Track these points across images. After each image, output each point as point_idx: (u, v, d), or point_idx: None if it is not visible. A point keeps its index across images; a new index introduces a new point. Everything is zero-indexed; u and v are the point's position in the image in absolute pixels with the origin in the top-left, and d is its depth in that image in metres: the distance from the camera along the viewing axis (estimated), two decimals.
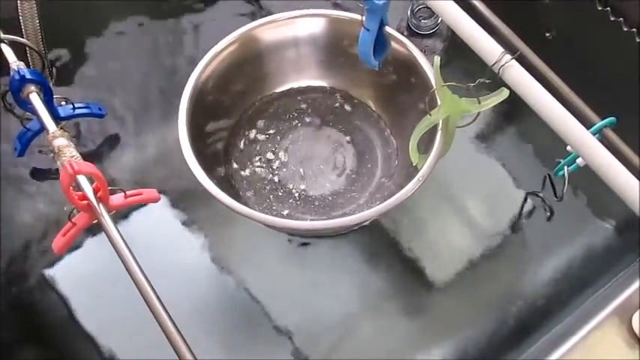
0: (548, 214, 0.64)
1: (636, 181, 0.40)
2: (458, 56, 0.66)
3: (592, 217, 0.64)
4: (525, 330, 0.58)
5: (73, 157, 0.46)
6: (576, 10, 0.70)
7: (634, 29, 0.69)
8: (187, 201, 0.65)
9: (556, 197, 0.60)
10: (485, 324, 0.60)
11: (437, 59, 0.49)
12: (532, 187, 0.65)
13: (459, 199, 0.66)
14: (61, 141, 0.47)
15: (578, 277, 0.61)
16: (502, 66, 0.45)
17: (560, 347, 0.49)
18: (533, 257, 0.63)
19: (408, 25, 0.68)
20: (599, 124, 0.49)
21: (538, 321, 0.58)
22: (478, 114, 0.50)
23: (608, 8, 0.72)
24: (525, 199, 0.65)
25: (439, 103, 0.51)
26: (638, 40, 0.71)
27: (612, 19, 0.68)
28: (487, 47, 0.46)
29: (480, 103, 0.49)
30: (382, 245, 0.63)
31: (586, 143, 0.42)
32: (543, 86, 0.46)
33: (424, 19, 0.67)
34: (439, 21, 0.68)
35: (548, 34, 0.69)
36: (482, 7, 0.55)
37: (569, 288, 0.60)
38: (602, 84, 0.68)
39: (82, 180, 0.44)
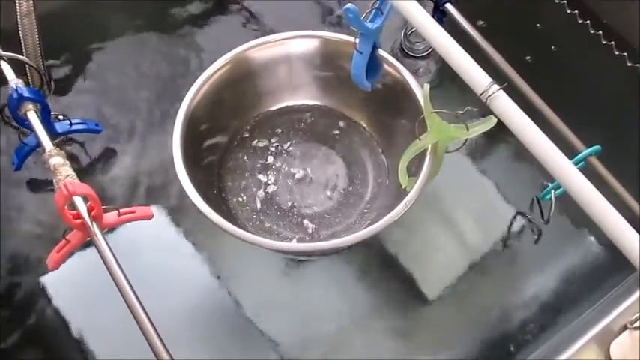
0: (536, 236, 0.64)
1: (614, 210, 0.40)
2: (450, 78, 0.66)
3: (582, 238, 0.64)
4: (511, 350, 0.58)
5: (68, 176, 0.45)
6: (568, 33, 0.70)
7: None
8: (181, 215, 0.64)
9: (543, 220, 0.60)
10: (474, 341, 0.59)
11: (426, 87, 0.48)
12: (523, 207, 0.65)
13: (451, 217, 0.65)
14: (56, 160, 0.46)
15: (565, 297, 0.61)
16: (489, 96, 0.44)
17: None
18: (522, 276, 0.63)
19: (402, 47, 0.67)
20: (583, 153, 0.49)
21: (524, 341, 0.58)
22: (466, 140, 0.50)
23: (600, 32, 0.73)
24: (514, 219, 0.65)
25: (428, 128, 0.50)
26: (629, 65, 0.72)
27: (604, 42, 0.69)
28: (476, 77, 0.45)
29: (468, 130, 0.49)
30: (374, 261, 0.63)
31: (566, 172, 0.42)
32: (532, 113, 0.45)
33: (417, 42, 0.66)
34: None
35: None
36: (474, 34, 0.55)
37: (555, 307, 0.60)
38: (593, 111, 0.68)
39: (77, 200, 0.44)
